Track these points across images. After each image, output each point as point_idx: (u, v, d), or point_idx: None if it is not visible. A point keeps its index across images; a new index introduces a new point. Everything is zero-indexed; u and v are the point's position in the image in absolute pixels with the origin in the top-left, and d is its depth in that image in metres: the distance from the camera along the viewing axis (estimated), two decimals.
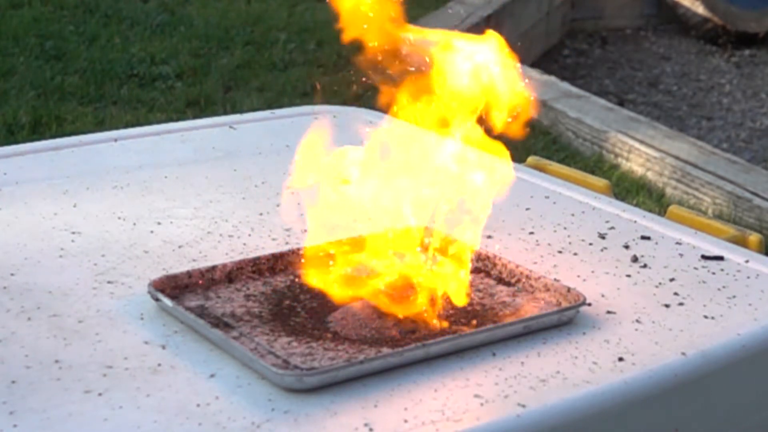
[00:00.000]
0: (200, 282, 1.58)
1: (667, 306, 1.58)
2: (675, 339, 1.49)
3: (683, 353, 1.46)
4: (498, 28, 1.69)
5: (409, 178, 1.61)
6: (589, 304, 1.55)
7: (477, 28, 5.30)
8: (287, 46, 6.20)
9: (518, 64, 1.61)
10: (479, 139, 1.60)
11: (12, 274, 1.62)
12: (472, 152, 1.61)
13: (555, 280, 1.60)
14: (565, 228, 1.84)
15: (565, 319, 1.51)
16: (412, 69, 1.62)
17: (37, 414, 1.29)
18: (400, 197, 1.61)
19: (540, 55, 6.68)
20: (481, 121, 1.60)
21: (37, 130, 4.93)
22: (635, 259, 1.72)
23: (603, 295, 1.60)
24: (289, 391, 1.34)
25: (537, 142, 5.13)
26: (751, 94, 6.43)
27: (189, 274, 1.58)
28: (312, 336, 1.46)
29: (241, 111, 4.25)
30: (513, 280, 1.63)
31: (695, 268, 1.70)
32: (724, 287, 1.64)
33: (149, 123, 4.55)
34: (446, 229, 1.62)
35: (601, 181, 2.06)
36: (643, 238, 1.80)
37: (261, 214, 1.85)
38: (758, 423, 1.55)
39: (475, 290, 1.60)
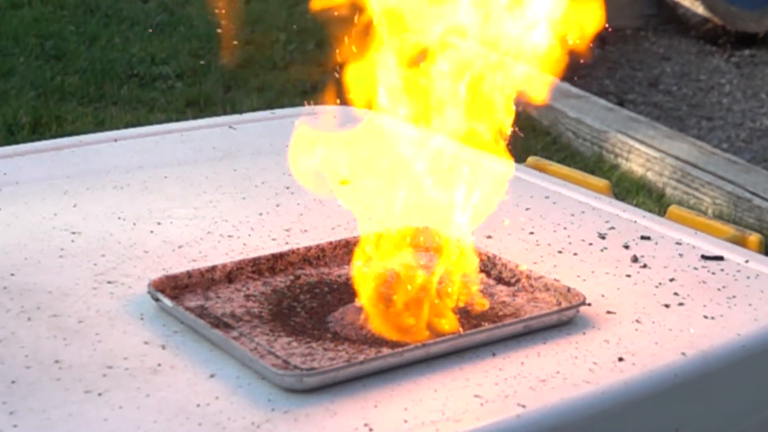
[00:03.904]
0: (200, 282, 1.58)
1: (667, 306, 1.58)
2: (675, 339, 1.49)
3: (683, 353, 1.46)
4: None
5: (409, 177, 1.61)
6: (589, 304, 1.56)
7: None
8: (287, 46, 6.20)
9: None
10: (480, 140, 1.60)
11: (12, 274, 1.62)
12: (472, 152, 1.61)
13: (555, 280, 1.60)
14: (565, 228, 1.84)
15: (565, 319, 1.51)
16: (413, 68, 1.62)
17: (37, 414, 1.29)
18: (400, 197, 1.61)
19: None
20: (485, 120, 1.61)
21: (37, 130, 4.93)
22: (635, 259, 1.72)
23: (603, 295, 1.60)
24: (289, 391, 1.34)
25: (537, 142, 5.13)
26: (751, 94, 6.43)
27: (189, 274, 1.58)
28: (312, 336, 1.46)
29: (241, 111, 4.26)
30: (513, 280, 1.63)
31: (695, 268, 1.70)
32: (724, 287, 1.64)
33: (149, 123, 4.55)
34: (446, 228, 1.62)
35: (601, 181, 2.06)
36: (643, 238, 1.80)
37: (261, 214, 1.86)
38: (758, 423, 1.55)
39: (474, 290, 1.60)
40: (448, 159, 1.62)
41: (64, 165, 2.04)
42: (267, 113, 2.39)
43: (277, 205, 1.89)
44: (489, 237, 1.76)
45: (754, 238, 1.84)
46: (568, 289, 1.56)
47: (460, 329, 1.47)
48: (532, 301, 1.58)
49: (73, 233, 1.76)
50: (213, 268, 1.60)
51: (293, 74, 5.80)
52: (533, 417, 1.32)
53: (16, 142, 3.06)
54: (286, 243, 1.75)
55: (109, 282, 1.61)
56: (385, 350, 1.42)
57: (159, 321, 1.50)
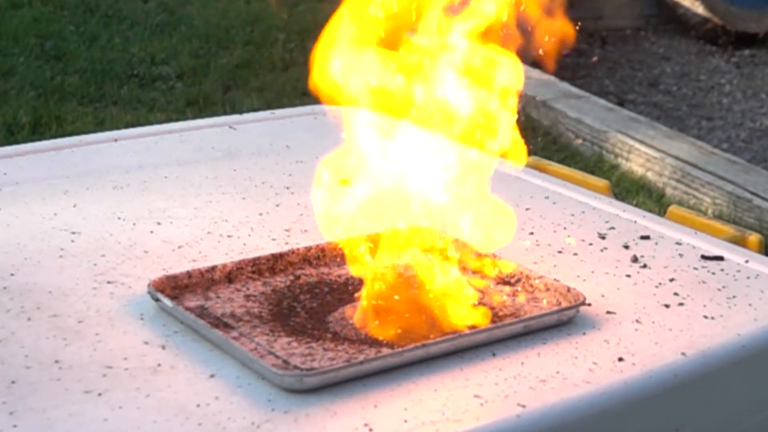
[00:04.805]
0: (200, 282, 1.58)
1: (667, 306, 1.58)
2: (675, 339, 1.49)
3: (683, 353, 1.46)
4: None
5: (409, 177, 1.61)
6: (589, 304, 1.56)
7: None
8: (287, 46, 6.20)
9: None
10: (479, 138, 1.61)
11: (12, 274, 1.62)
12: (471, 151, 1.61)
13: (555, 280, 1.60)
14: (565, 228, 1.84)
15: (565, 319, 1.51)
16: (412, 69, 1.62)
17: (37, 414, 1.29)
18: (400, 197, 1.61)
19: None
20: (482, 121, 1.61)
21: (37, 130, 4.93)
22: (635, 259, 1.72)
23: (603, 295, 1.60)
24: (289, 391, 1.34)
25: (537, 142, 5.13)
26: (751, 94, 6.43)
27: (189, 274, 1.58)
28: (312, 336, 1.46)
29: (241, 111, 4.26)
30: (513, 280, 1.63)
31: (695, 268, 1.70)
32: (724, 287, 1.64)
33: (149, 123, 4.55)
34: (446, 228, 1.62)
35: (601, 181, 2.06)
36: (643, 238, 1.80)
37: (261, 214, 1.86)
38: (758, 423, 1.55)
39: (475, 290, 1.60)
40: (448, 159, 1.62)
41: (64, 165, 2.03)
42: (267, 113, 2.39)
43: (277, 205, 1.89)
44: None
45: (754, 238, 1.84)
46: (568, 289, 1.56)
47: (460, 329, 1.48)
48: (532, 301, 1.58)
49: (73, 233, 1.76)
50: (213, 268, 1.60)
51: (293, 74, 5.80)
52: (533, 417, 1.32)
53: (16, 142, 3.06)
54: (286, 243, 1.75)
55: (109, 282, 1.61)
56: (385, 350, 1.42)
57: (159, 321, 1.50)
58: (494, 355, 1.44)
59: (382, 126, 1.67)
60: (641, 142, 5.05)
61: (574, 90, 5.68)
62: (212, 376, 1.37)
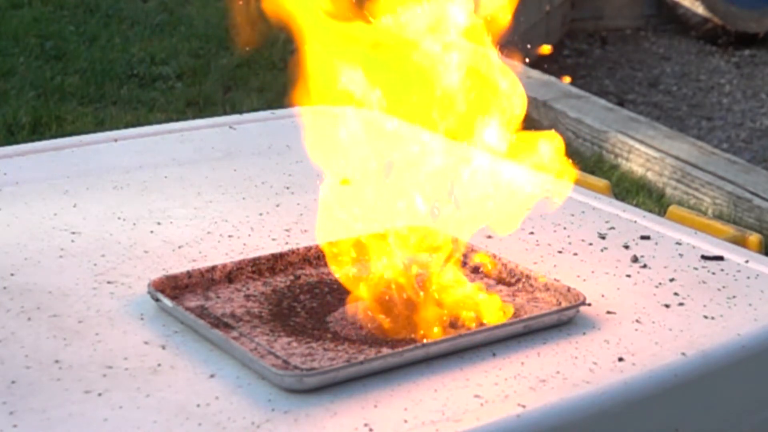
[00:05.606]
0: (200, 282, 1.58)
1: (667, 306, 1.58)
2: (675, 339, 1.49)
3: (683, 353, 1.46)
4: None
5: (409, 177, 1.61)
6: (589, 304, 1.56)
7: None
8: (287, 46, 6.20)
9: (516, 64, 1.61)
10: (479, 138, 1.61)
11: (12, 274, 1.62)
12: (471, 150, 1.61)
13: (555, 280, 1.60)
14: (565, 228, 1.84)
15: (565, 318, 1.51)
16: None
17: (37, 414, 1.29)
18: (400, 197, 1.61)
19: (540, 55, 6.68)
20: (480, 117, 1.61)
21: (37, 130, 4.93)
22: (635, 259, 1.72)
23: (603, 295, 1.60)
24: (289, 391, 1.34)
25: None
26: (751, 94, 6.43)
27: (189, 274, 1.58)
28: (312, 336, 1.46)
29: (241, 111, 4.26)
30: (513, 280, 1.63)
31: (695, 268, 1.70)
32: (724, 287, 1.64)
33: (149, 123, 4.55)
34: (446, 228, 1.62)
35: (601, 181, 2.06)
36: (643, 238, 1.80)
37: (261, 214, 1.86)
38: (758, 423, 1.55)
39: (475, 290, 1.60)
40: (448, 159, 1.62)
41: (64, 165, 2.03)
42: (267, 113, 2.39)
43: (277, 205, 1.89)
44: (489, 237, 1.76)
45: (754, 238, 1.84)
46: (568, 289, 1.56)
47: (462, 329, 1.48)
48: (532, 301, 1.58)
49: (73, 233, 1.76)
50: (213, 268, 1.60)
51: (293, 74, 5.79)
52: (533, 417, 1.32)
53: (16, 142, 3.06)
54: (286, 243, 1.75)
55: (109, 282, 1.61)
56: (385, 350, 1.42)
57: (159, 321, 1.50)
58: (494, 355, 1.44)
59: (382, 126, 1.67)
60: (641, 142, 5.05)
61: (574, 90, 5.68)
62: (212, 376, 1.37)
